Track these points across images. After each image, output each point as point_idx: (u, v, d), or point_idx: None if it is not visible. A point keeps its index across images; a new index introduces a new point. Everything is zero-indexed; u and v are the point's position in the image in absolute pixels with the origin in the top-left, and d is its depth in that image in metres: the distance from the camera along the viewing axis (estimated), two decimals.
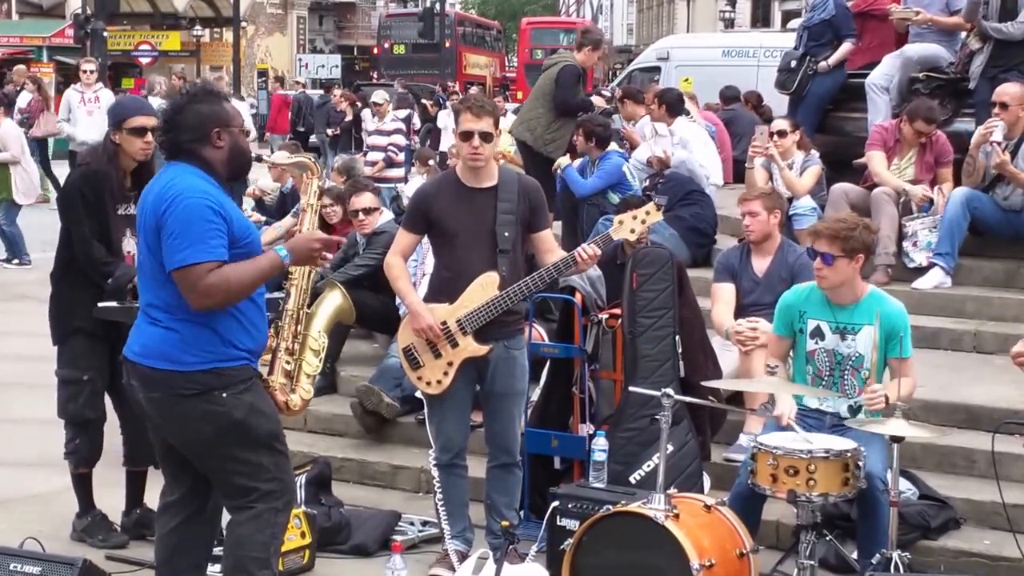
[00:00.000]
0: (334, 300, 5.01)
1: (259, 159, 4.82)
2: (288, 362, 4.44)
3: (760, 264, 6.30)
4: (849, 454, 4.61)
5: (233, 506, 4.26)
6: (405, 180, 14.40)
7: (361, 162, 13.50)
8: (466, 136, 5.09)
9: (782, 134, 8.18)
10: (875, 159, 7.96)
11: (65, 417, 5.56)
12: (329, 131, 20.92)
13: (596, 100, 10.83)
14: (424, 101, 23.22)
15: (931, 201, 7.76)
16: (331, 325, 4.85)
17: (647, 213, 5.28)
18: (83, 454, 5.55)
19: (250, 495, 4.19)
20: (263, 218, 10.48)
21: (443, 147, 16.55)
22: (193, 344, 4.07)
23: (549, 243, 5.32)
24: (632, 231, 5.28)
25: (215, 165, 4.17)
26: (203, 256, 3.98)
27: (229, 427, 4.11)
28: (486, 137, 5.10)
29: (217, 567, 4.55)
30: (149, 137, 5.28)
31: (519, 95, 32.92)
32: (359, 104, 20.03)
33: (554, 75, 9.59)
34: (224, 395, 4.09)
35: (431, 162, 12.84)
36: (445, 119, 20.05)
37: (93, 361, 5.44)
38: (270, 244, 4.73)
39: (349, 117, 20.39)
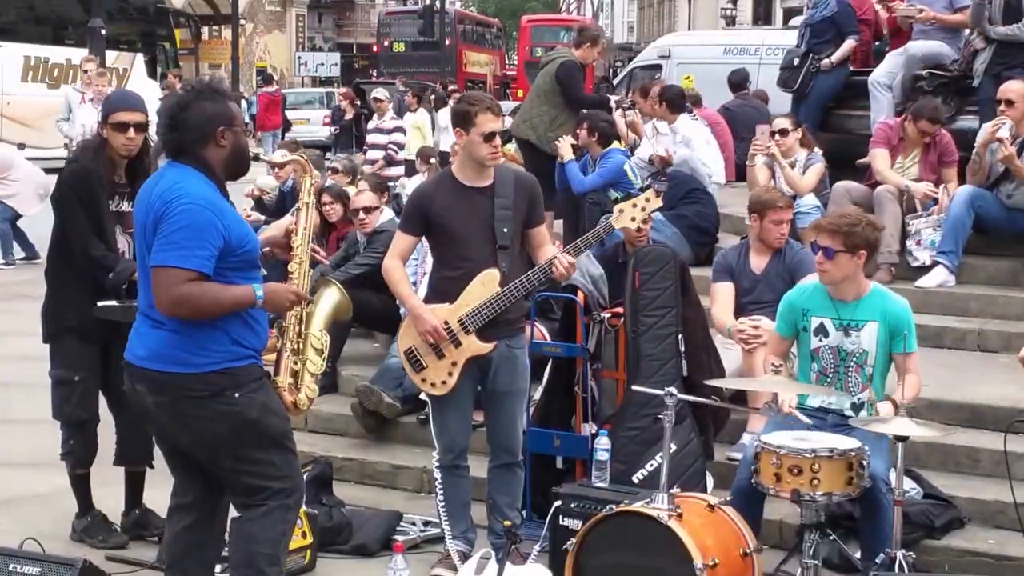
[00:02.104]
0: (331, 297, 4.97)
1: (256, 157, 4.79)
2: (295, 362, 4.42)
3: (759, 262, 6.29)
4: (853, 453, 4.58)
5: (244, 504, 4.21)
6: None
7: (360, 160, 13.47)
8: (490, 137, 5.08)
9: (784, 132, 8.14)
10: (878, 156, 7.93)
11: (60, 418, 5.52)
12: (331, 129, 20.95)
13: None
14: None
15: (935, 199, 7.73)
16: (330, 322, 4.83)
17: (647, 200, 5.27)
18: (79, 455, 5.52)
19: (262, 494, 4.15)
20: (263, 217, 10.43)
21: (444, 146, 16.51)
22: (202, 345, 4.01)
23: (542, 238, 5.31)
24: (632, 219, 5.27)
25: (215, 167, 4.09)
26: (185, 263, 3.91)
27: (243, 427, 4.06)
28: (502, 136, 5.20)
29: (218, 567, 4.52)
30: (131, 133, 5.23)
31: (520, 93, 32.91)
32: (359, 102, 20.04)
33: (553, 71, 9.51)
34: (237, 395, 4.04)
35: (432, 160, 12.80)
36: (445, 118, 20.01)
37: (85, 361, 5.40)
38: (270, 240, 4.66)
39: (350, 115, 20.36)
